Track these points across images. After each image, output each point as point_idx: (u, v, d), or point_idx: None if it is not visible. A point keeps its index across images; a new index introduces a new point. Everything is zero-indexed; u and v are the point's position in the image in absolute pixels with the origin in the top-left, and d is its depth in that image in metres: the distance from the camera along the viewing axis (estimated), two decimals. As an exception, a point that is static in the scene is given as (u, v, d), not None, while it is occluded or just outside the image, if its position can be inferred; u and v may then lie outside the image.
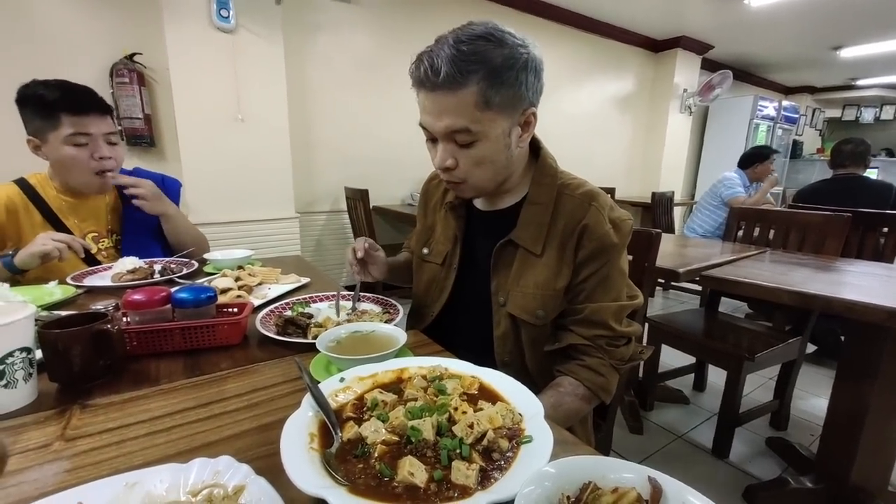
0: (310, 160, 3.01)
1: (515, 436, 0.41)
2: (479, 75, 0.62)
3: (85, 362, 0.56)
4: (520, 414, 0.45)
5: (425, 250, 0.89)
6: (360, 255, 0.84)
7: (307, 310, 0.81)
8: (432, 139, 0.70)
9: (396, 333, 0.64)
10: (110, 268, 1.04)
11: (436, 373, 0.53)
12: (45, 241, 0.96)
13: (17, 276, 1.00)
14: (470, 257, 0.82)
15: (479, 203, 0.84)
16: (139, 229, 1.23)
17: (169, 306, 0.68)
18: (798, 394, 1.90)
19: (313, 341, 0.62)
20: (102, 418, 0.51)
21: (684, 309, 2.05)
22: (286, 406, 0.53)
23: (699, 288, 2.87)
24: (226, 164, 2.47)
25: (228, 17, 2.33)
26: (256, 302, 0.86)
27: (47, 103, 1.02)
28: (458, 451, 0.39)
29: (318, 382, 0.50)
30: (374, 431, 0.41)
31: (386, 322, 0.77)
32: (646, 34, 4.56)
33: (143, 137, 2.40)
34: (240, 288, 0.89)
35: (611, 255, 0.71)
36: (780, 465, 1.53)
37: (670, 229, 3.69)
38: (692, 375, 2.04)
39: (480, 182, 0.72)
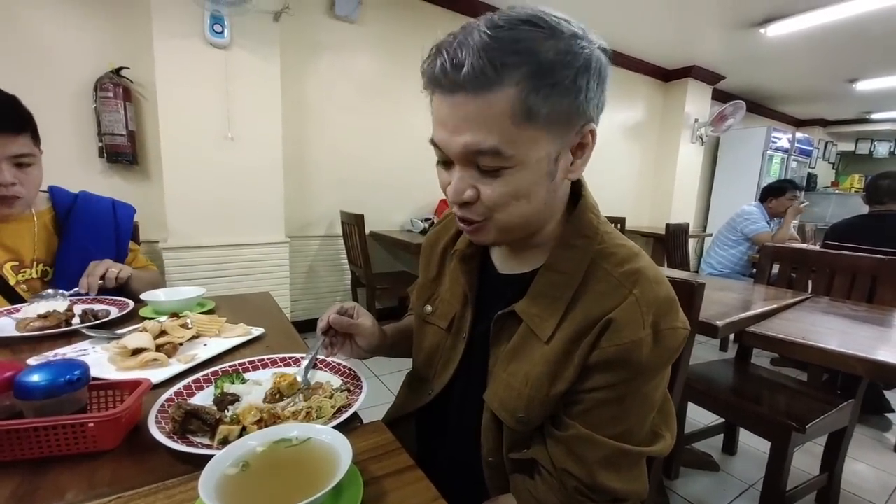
0: (304, 182, 2.86)
1: None
2: (520, 73, 0.42)
3: None
4: None
5: (428, 308, 0.68)
6: (321, 323, 0.64)
7: (237, 386, 0.59)
8: (445, 161, 0.50)
9: (338, 450, 0.42)
10: (19, 310, 0.85)
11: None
12: None
13: None
14: (484, 324, 0.60)
15: (497, 261, 0.63)
16: (76, 265, 1.02)
17: (10, 393, 0.46)
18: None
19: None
20: None
21: (701, 349, 1.81)
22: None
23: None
24: (213, 184, 2.32)
25: (222, 32, 2.22)
26: (166, 373, 0.63)
27: None
28: None
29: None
30: None
31: (340, 407, 0.56)
32: (656, 63, 4.47)
33: (125, 154, 2.26)
34: (160, 347, 0.68)
35: (635, 373, 0.49)
36: (836, 560, 1.27)
37: (685, 264, 3.47)
38: (721, 436, 1.78)
39: (508, 223, 0.50)
